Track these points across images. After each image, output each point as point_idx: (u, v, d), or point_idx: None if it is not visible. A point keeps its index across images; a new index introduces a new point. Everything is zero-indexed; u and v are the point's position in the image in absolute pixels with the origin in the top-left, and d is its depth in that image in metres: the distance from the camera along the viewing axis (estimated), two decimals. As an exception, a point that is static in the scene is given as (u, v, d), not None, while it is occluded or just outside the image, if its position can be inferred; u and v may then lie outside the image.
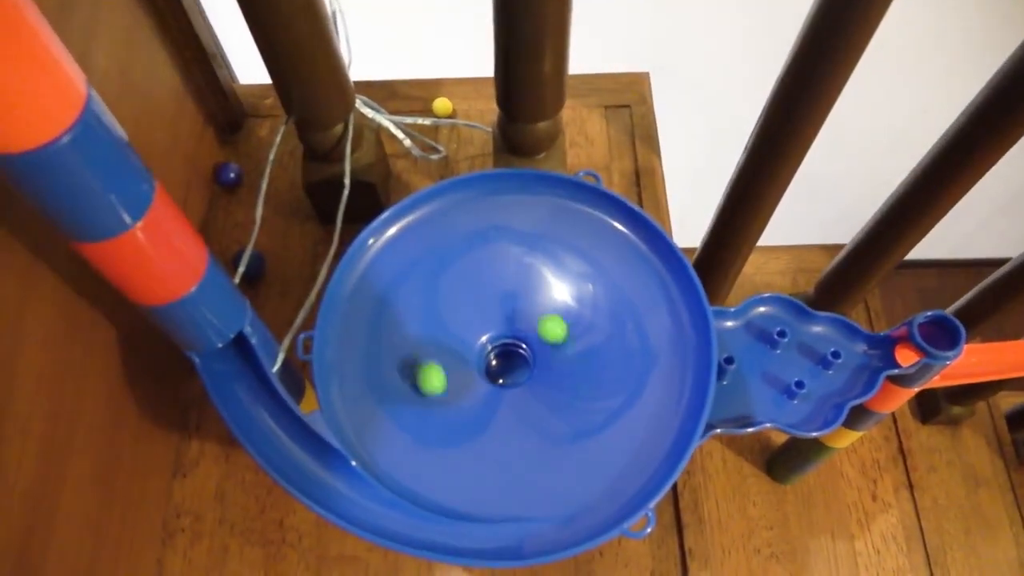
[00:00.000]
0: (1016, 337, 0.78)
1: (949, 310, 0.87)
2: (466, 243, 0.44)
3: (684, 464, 0.37)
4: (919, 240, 0.64)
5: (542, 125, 0.50)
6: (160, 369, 0.49)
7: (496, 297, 0.44)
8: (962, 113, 0.51)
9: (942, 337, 0.51)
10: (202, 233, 0.57)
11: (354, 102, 0.50)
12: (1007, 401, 1.18)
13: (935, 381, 0.54)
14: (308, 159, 0.52)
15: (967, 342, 0.73)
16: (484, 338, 0.44)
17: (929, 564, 0.75)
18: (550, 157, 0.53)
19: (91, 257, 0.28)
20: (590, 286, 0.43)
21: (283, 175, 0.60)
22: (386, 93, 0.64)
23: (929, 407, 1.10)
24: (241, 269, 0.45)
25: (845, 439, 0.64)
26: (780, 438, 0.75)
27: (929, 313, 0.50)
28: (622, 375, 0.41)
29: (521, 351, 0.44)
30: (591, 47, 1.33)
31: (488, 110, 0.62)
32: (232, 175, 0.58)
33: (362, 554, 0.48)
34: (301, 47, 0.42)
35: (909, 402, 1.13)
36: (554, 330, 0.41)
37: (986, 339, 0.82)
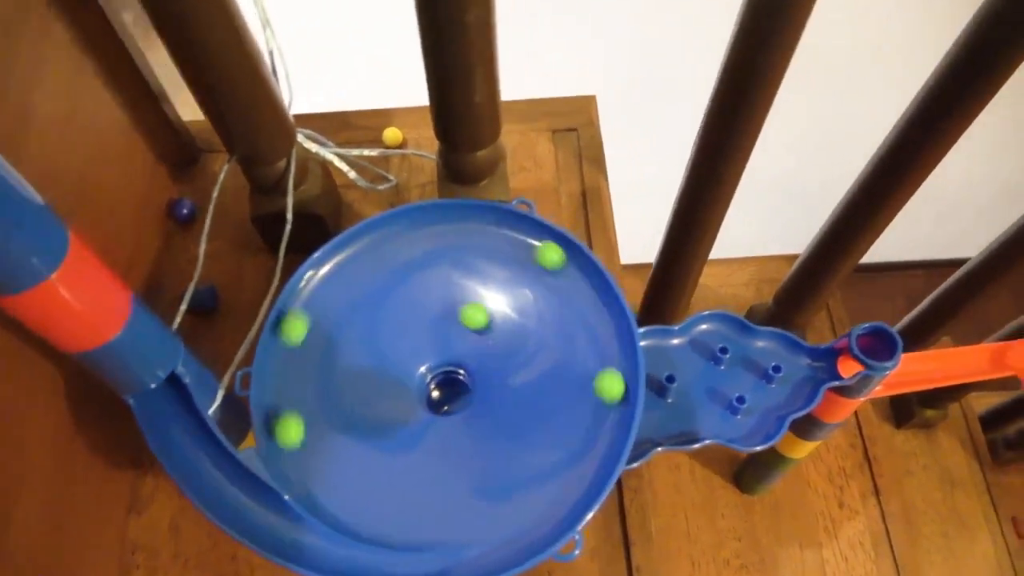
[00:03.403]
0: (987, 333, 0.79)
1: (914, 312, 0.88)
2: (403, 275, 0.45)
3: (609, 488, 0.38)
4: (868, 245, 0.65)
5: (481, 153, 0.51)
6: (112, 406, 0.49)
7: (433, 327, 0.45)
8: (900, 117, 0.52)
9: (882, 348, 0.52)
10: (157, 268, 0.58)
11: (295, 137, 0.51)
12: (982, 402, 1.19)
13: (878, 391, 0.55)
14: (254, 193, 0.53)
15: (932, 346, 0.74)
16: (423, 368, 0.44)
17: (897, 569, 0.76)
18: (493, 184, 0.54)
19: (7, 309, 0.29)
20: (523, 312, 0.44)
21: (237, 208, 0.60)
22: (338, 124, 0.65)
23: (903, 412, 1.11)
24: (183, 307, 0.45)
25: (801, 450, 0.65)
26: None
27: (867, 325, 0.51)
28: (554, 400, 0.42)
29: (460, 377, 0.45)
30: (540, 72, 1.35)
31: (438, 138, 0.63)
32: (185, 210, 0.59)
33: (315, 584, 0.48)
34: (234, 86, 0.43)
35: (883, 407, 1.14)
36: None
37: (959, 338, 0.82)
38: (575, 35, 1.25)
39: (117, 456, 0.50)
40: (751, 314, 0.84)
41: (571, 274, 0.45)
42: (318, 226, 0.55)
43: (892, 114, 0.53)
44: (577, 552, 0.36)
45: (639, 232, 0.86)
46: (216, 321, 0.57)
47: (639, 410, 0.40)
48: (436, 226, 0.45)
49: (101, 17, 0.49)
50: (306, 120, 0.65)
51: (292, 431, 0.39)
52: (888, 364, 0.50)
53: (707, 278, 0.91)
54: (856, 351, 0.50)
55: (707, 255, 0.65)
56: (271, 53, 0.48)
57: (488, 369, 0.44)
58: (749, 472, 0.76)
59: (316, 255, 0.43)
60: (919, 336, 0.86)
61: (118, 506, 0.50)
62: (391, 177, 0.60)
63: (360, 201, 0.61)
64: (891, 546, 0.76)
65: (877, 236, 0.63)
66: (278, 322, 0.43)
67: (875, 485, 0.79)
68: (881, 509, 0.78)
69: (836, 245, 0.65)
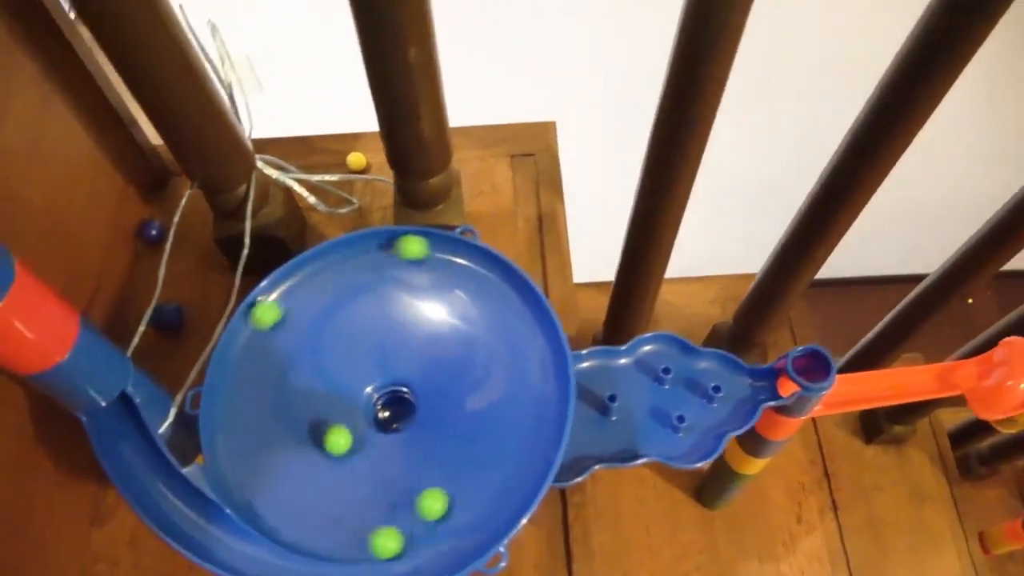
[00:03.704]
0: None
1: (878, 327, 0.90)
2: (350, 299, 0.47)
3: (536, 504, 0.39)
4: (819, 264, 0.66)
5: (433, 180, 0.53)
6: (74, 423, 0.51)
7: (380, 348, 0.47)
8: (845, 136, 0.54)
9: (819, 369, 0.54)
10: (125, 287, 0.60)
11: (253, 164, 0.53)
12: (953, 418, 1.21)
13: (819, 410, 0.57)
14: (216, 217, 0.55)
15: (894, 363, 0.75)
16: (369, 388, 0.46)
17: (853, 583, 0.78)
18: (447, 208, 0.56)
19: (-44, 336, 0.31)
20: (464, 333, 0.46)
21: (204, 229, 0.62)
22: (306, 148, 0.67)
23: (872, 428, 1.13)
24: (141, 328, 0.48)
25: (753, 467, 0.67)
26: (707, 465, 0.77)
27: (803, 347, 0.53)
28: (490, 418, 0.44)
29: (406, 396, 0.47)
30: (504, 98, 1.38)
31: (402, 161, 0.65)
32: (154, 231, 0.61)
33: (268, 594, 0.50)
34: (186, 119, 0.46)
35: (853, 424, 1.16)
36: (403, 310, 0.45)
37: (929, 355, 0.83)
38: (539, 62, 1.28)
39: (80, 471, 0.52)
40: (714, 332, 0.86)
41: (509, 297, 0.47)
42: (280, 248, 0.57)
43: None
44: (503, 564, 0.38)
45: (606, 250, 0.88)
46: (182, 339, 0.59)
47: (565, 435, 0.42)
48: (384, 252, 0.47)
49: (69, 49, 0.51)
50: (276, 144, 0.67)
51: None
52: (822, 385, 0.52)
53: (674, 296, 0.93)
54: (792, 372, 0.52)
55: (663, 272, 0.67)
56: (230, 86, 0.50)
57: (432, 388, 0.46)
58: (709, 487, 0.78)
59: (264, 282, 0.46)
60: (880, 353, 0.88)
61: (80, 518, 0.52)
62: (354, 200, 0.62)
63: (324, 223, 0.63)
64: (847, 560, 0.78)
65: (826, 255, 0.65)
66: (230, 342, 0.45)
67: (833, 501, 0.81)
68: (839, 524, 0.80)
69: (788, 264, 0.67)
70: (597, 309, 0.83)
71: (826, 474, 0.82)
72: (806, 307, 0.92)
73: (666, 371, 0.54)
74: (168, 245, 0.52)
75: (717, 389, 0.53)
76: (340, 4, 0.40)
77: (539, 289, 0.46)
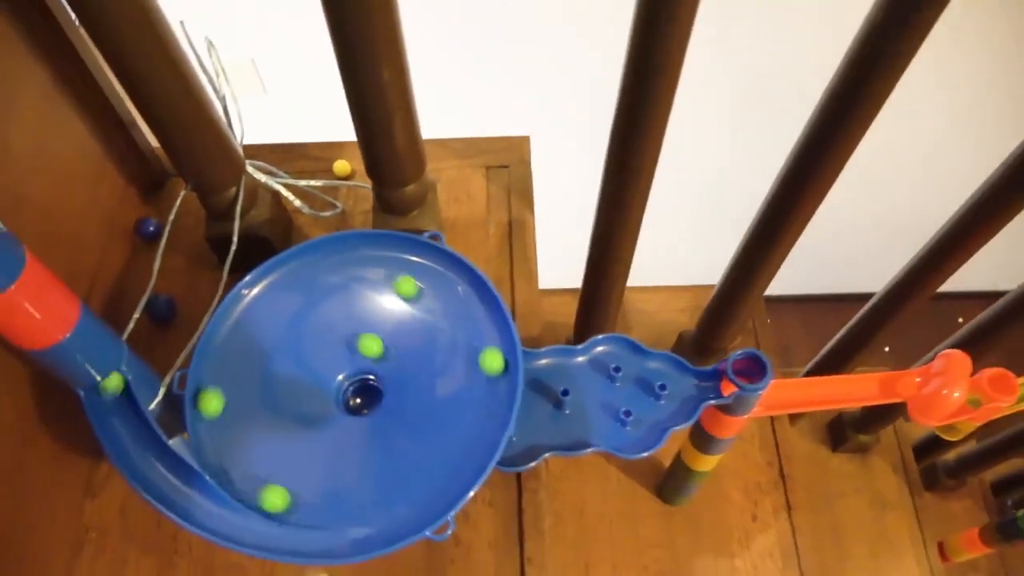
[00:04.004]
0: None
1: (830, 343, 0.95)
2: (324, 294, 0.52)
3: (482, 481, 0.44)
4: (770, 276, 0.71)
5: (408, 189, 0.58)
6: (71, 401, 0.56)
7: (351, 339, 0.51)
8: (787, 155, 0.58)
9: (758, 372, 0.58)
10: (122, 279, 0.64)
11: (243, 169, 0.58)
12: (920, 429, 1.25)
13: (760, 411, 0.62)
14: (208, 216, 0.60)
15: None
16: (341, 376, 0.51)
17: (802, 577, 0.82)
18: (422, 214, 0.61)
19: (-28, 314, 0.36)
20: (426, 328, 0.51)
21: (197, 228, 0.67)
22: (295, 155, 0.72)
23: (838, 436, 1.18)
24: (136, 315, 0.52)
25: (705, 463, 0.72)
26: (668, 463, 0.81)
27: (742, 351, 0.58)
28: (448, 403, 0.49)
29: (373, 383, 0.52)
30: (484, 112, 1.43)
31: (384, 169, 0.70)
32: (152, 228, 0.66)
33: (244, 562, 0.55)
34: (181, 129, 0.51)
35: (820, 432, 1.21)
36: (370, 347, 0.49)
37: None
38: (522, 79, 1.34)
39: (75, 447, 0.56)
40: (680, 339, 0.90)
41: (469, 296, 0.52)
42: (266, 247, 0.62)
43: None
44: (450, 531, 0.43)
45: (582, 258, 0.93)
46: (174, 328, 0.64)
47: (512, 422, 0.46)
48: (356, 252, 0.52)
49: (76, 59, 0.56)
50: (268, 150, 0.72)
51: (214, 405, 0.46)
52: (758, 386, 0.57)
53: (646, 304, 0.98)
54: (730, 373, 0.57)
55: (624, 279, 0.72)
56: (223, 98, 0.55)
57: (397, 376, 0.51)
58: (668, 484, 0.83)
59: (247, 278, 0.50)
60: (837, 362, 0.93)
61: (75, 490, 0.57)
62: (338, 204, 0.67)
63: (310, 225, 0.68)
64: (798, 558, 0.82)
65: (775, 267, 0.70)
66: (215, 331, 0.50)
67: (787, 501, 0.85)
68: (791, 523, 0.84)
69: (742, 276, 0.72)
70: (570, 314, 0.87)
71: (782, 475, 0.87)
72: (768, 316, 0.97)
73: (617, 369, 0.58)
74: (163, 242, 0.57)
75: (663, 387, 0.58)
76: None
77: (495, 290, 0.50)
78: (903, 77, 0.47)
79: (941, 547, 1.18)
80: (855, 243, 1.71)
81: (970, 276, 0.75)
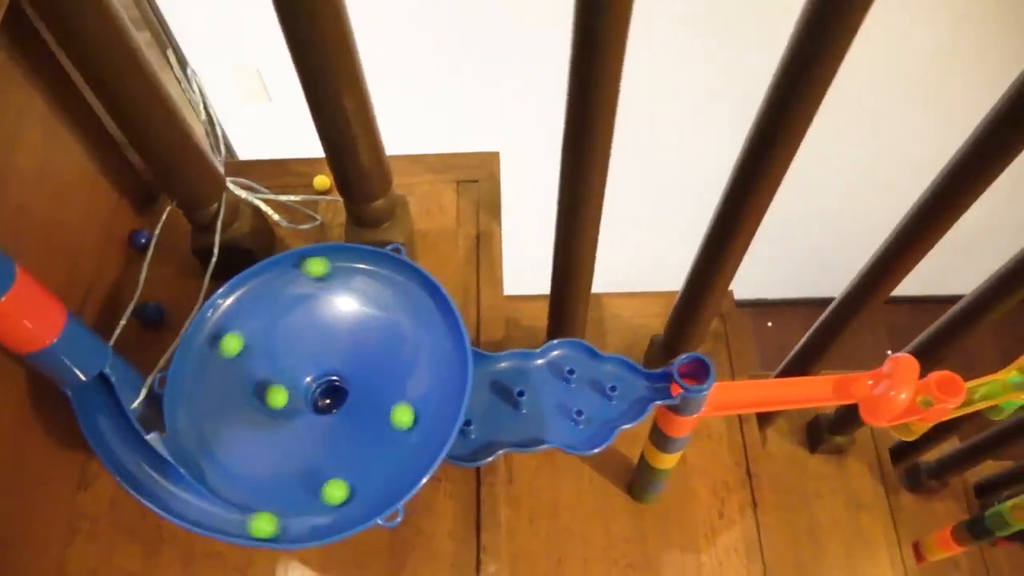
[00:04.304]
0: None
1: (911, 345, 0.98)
2: (294, 302, 0.56)
3: (431, 473, 0.48)
4: (727, 282, 0.75)
5: (376, 204, 0.63)
6: (65, 399, 0.61)
7: (320, 343, 0.56)
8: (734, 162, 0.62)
9: (705, 374, 0.62)
10: (116, 287, 0.69)
11: (224, 186, 0.63)
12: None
13: (709, 411, 0.65)
14: (193, 229, 0.65)
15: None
16: (309, 378, 0.56)
17: (765, 573, 0.85)
18: (392, 227, 0.66)
19: (-32, 321, 0.41)
20: (385, 332, 0.56)
21: (186, 239, 0.72)
22: (280, 170, 0.77)
23: (815, 437, 1.21)
24: (123, 321, 0.57)
25: (664, 461, 0.75)
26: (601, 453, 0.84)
27: (687, 355, 0.61)
28: (405, 400, 0.53)
29: (339, 384, 0.56)
30: (460, 129, 1.47)
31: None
32: (143, 240, 0.71)
33: (223, 550, 0.59)
34: (165, 151, 0.55)
35: (799, 434, 1.24)
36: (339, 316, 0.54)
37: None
38: (498, 91, 1.38)
39: (69, 442, 0.61)
40: (651, 343, 0.94)
41: (424, 301, 0.56)
42: (247, 258, 0.66)
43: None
44: (399, 519, 0.47)
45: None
46: (162, 333, 0.69)
47: (459, 420, 0.51)
48: (319, 260, 0.57)
49: (74, 88, 0.61)
50: (255, 166, 0.77)
51: (194, 422, 0.51)
52: (701, 387, 0.61)
53: (622, 309, 1.02)
54: (676, 375, 0.61)
55: (588, 286, 0.75)
56: (206, 123, 0.60)
57: (360, 377, 0.55)
58: (636, 481, 0.87)
59: (221, 289, 0.55)
60: (802, 366, 0.97)
61: (69, 482, 0.62)
62: (317, 217, 0.72)
63: (291, 236, 0.73)
64: (762, 554, 0.86)
65: (730, 275, 0.73)
66: (193, 336, 0.54)
67: (754, 499, 0.89)
68: (757, 520, 0.88)
69: (700, 282, 0.76)
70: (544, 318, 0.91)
71: (748, 475, 0.90)
72: (740, 321, 1.00)
73: (571, 372, 0.63)
74: (149, 253, 0.62)
75: (613, 389, 0.62)
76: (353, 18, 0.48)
77: (450, 297, 0.55)
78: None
79: (917, 547, 1.21)
80: (859, 247, 1.73)
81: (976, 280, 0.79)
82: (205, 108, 0.60)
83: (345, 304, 0.57)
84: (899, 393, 0.67)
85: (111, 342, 0.57)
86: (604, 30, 0.45)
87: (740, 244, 0.70)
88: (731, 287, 0.84)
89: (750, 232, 0.68)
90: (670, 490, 0.89)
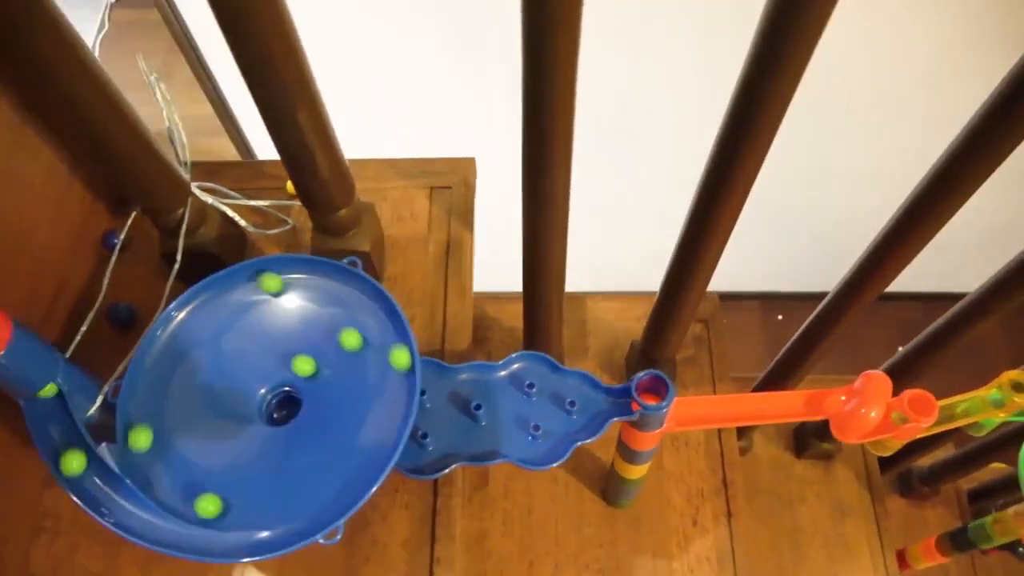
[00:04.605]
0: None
1: (779, 354, 0.98)
2: (251, 313, 0.56)
3: (371, 492, 0.49)
4: (701, 285, 0.73)
5: (341, 213, 0.63)
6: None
7: (274, 355, 0.56)
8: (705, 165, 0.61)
9: (664, 390, 0.62)
10: (88, 289, 0.70)
11: (188, 192, 0.63)
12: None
13: (670, 426, 0.65)
14: (160, 234, 0.66)
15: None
16: (263, 389, 0.56)
17: (736, 582, 0.86)
18: (358, 234, 0.65)
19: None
20: (337, 343, 0.56)
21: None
22: (253, 173, 0.77)
23: (802, 443, 1.20)
24: (84, 327, 0.58)
25: (632, 472, 0.76)
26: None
27: (645, 372, 0.61)
28: (353, 413, 0.54)
29: (294, 395, 0.57)
30: (438, 133, 1.46)
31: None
32: (115, 241, 0.72)
33: (181, 553, 0.60)
34: (127, 159, 0.56)
35: (786, 439, 1.23)
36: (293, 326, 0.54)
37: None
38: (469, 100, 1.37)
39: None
40: (632, 348, 0.94)
41: (383, 321, 0.56)
42: (214, 263, 0.67)
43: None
44: (339, 537, 0.48)
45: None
46: (134, 335, 0.69)
47: (406, 431, 0.51)
48: (281, 276, 0.57)
49: (45, 88, 0.61)
50: (227, 168, 0.77)
51: (142, 437, 0.51)
52: (659, 406, 0.60)
53: (605, 312, 1.02)
54: (634, 392, 0.61)
55: (557, 293, 0.75)
56: (170, 130, 0.60)
57: (313, 387, 0.56)
58: (609, 488, 0.87)
59: (174, 303, 0.56)
60: (787, 373, 0.96)
61: (35, 481, 0.63)
62: (289, 221, 0.72)
63: (263, 241, 0.73)
64: (734, 562, 0.86)
65: (706, 278, 0.72)
66: (148, 346, 0.55)
67: (728, 508, 0.89)
68: (730, 530, 0.88)
69: (674, 287, 0.75)
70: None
71: (724, 483, 0.90)
72: (724, 326, 1.00)
73: (531, 386, 0.62)
74: (114, 255, 0.62)
75: (573, 404, 0.62)
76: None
77: (403, 314, 0.55)
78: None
79: (902, 555, 1.21)
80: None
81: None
82: (168, 116, 0.60)
83: (300, 316, 0.57)
84: (870, 411, 0.66)
85: (73, 345, 0.58)
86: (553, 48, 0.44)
87: (713, 247, 0.68)
88: (713, 289, 0.83)
89: (723, 235, 0.66)
90: (644, 496, 0.89)
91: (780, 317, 2.30)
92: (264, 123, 0.53)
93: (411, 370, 0.54)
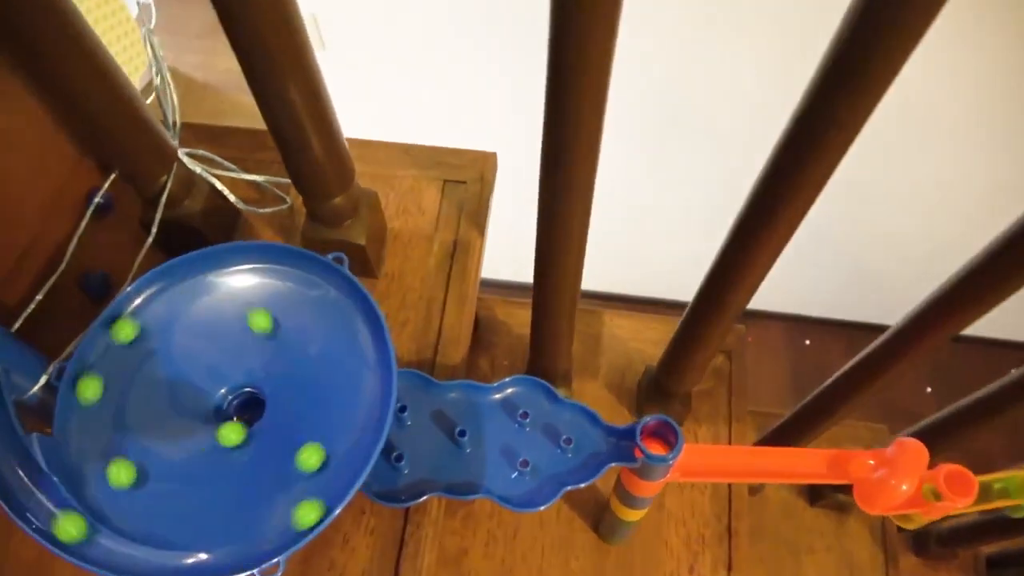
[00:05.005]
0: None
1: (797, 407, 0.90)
2: (216, 304, 0.51)
3: (324, 526, 0.43)
4: (731, 318, 0.65)
5: (335, 201, 0.56)
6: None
7: (238, 352, 0.50)
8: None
9: (673, 438, 0.55)
10: (61, 253, 0.65)
11: (174, 159, 0.57)
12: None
13: (674, 476, 0.58)
14: (143, 202, 0.60)
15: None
16: (224, 389, 0.50)
17: (728, 642, 0.79)
18: (354, 225, 0.59)
19: None
20: (308, 346, 0.50)
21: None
22: (259, 143, 0.71)
23: (816, 490, 1.13)
24: (40, 296, 0.53)
25: (630, 515, 0.69)
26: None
27: (654, 416, 0.55)
28: (323, 423, 0.48)
29: (259, 396, 0.51)
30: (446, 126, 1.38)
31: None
32: (101, 201, 0.66)
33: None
34: (107, 118, 0.50)
35: (796, 485, 1.16)
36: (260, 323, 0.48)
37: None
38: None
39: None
40: (646, 373, 0.87)
41: (359, 322, 0.50)
42: (198, 238, 0.61)
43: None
44: (279, 574, 0.42)
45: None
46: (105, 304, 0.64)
47: (373, 459, 0.45)
48: (253, 265, 0.51)
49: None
50: (232, 135, 0.72)
51: (87, 426, 0.46)
52: (665, 457, 0.54)
53: (621, 329, 0.95)
54: (638, 438, 0.54)
55: (573, 298, 0.68)
56: (158, 88, 0.54)
57: (279, 393, 0.50)
58: (603, 523, 0.80)
59: (136, 282, 0.50)
60: (815, 420, 0.88)
61: None
62: (288, 199, 0.66)
63: (257, 220, 0.67)
64: (729, 619, 0.79)
65: (738, 310, 0.64)
66: (101, 328, 0.49)
67: (730, 559, 0.82)
68: (729, 582, 0.81)
69: (703, 316, 0.67)
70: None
71: (729, 531, 0.83)
72: (746, 361, 0.92)
73: (524, 415, 0.56)
74: (85, 218, 0.57)
75: (568, 441, 0.55)
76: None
77: (385, 324, 0.49)
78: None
79: (911, 620, 1.13)
80: (912, 274, 1.60)
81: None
82: (159, 72, 0.54)
83: (272, 311, 0.51)
84: (900, 483, 0.59)
85: (20, 319, 0.52)
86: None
87: (755, 272, 0.60)
88: (764, 292, 0.73)
89: (768, 259, 0.58)
90: (640, 535, 0.82)
91: (808, 342, 2.21)
92: (252, 94, 0.47)
93: (387, 391, 0.48)
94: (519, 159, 0.77)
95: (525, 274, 0.91)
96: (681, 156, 1.46)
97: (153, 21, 0.56)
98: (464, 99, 1.39)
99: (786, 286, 2.01)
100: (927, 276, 0.68)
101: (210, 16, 0.41)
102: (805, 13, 1.10)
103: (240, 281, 0.52)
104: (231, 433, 0.47)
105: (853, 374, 0.80)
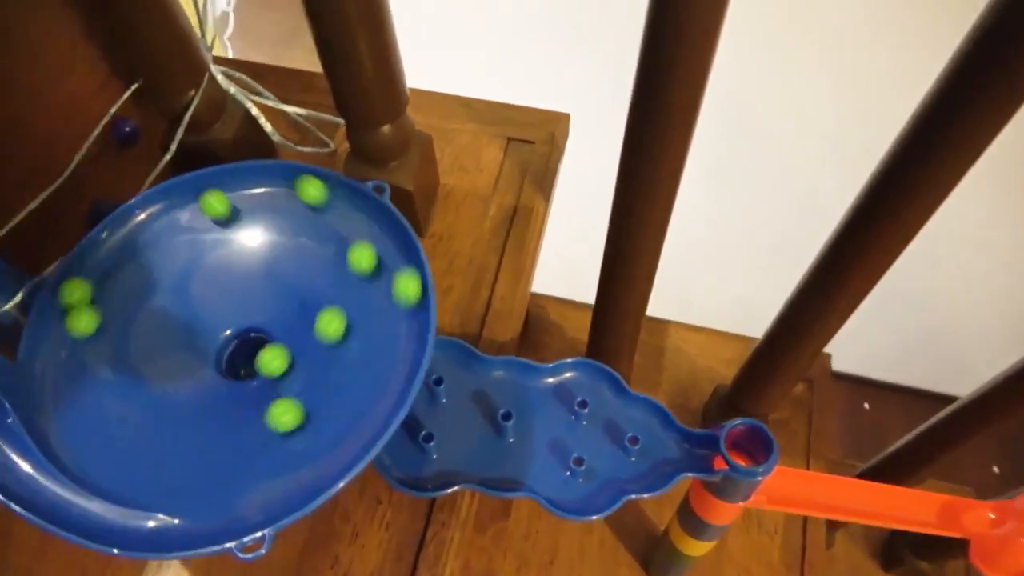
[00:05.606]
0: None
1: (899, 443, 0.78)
2: (230, 232, 0.42)
3: (320, 502, 0.33)
4: (822, 338, 0.56)
5: (384, 131, 0.48)
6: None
7: (250, 291, 0.42)
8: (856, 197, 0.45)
9: (763, 450, 0.45)
10: (71, 179, 0.58)
11: (204, 71, 0.50)
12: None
13: (759, 500, 0.48)
14: (166, 122, 0.53)
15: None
16: (228, 332, 0.42)
17: None
18: (401, 167, 0.51)
19: None
20: (329, 287, 0.41)
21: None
22: (303, 84, 0.63)
23: (892, 554, 0.99)
24: (22, 215, 0.45)
25: (692, 547, 0.58)
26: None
27: (743, 419, 0.44)
28: (340, 387, 0.39)
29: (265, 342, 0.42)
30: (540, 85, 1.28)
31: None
32: (128, 129, 0.59)
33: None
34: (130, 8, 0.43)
35: (875, 544, 1.02)
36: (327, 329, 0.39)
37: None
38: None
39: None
40: (715, 393, 0.76)
41: (389, 248, 0.41)
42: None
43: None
44: (263, 551, 0.33)
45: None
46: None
47: (389, 431, 0.35)
48: (270, 189, 0.43)
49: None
50: (272, 72, 0.64)
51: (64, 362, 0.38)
52: (755, 471, 0.43)
53: (689, 345, 0.85)
54: (722, 445, 0.44)
55: (643, 299, 0.58)
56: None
57: (295, 338, 0.41)
58: (655, 560, 0.69)
59: (137, 198, 0.42)
60: (902, 468, 0.76)
61: None
62: (330, 143, 0.59)
63: (294, 159, 0.60)
64: None
65: (831, 330, 0.55)
66: (89, 248, 0.42)
67: (799, 618, 0.70)
68: (796, 646, 0.69)
69: (789, 330, 0.57)
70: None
71: (800, 585, 0.71)
72: (832, 394, 0.81)
73: (583, 404, 0.46)
74: (86, 144, 0.49)
75: (634, 440, 0.45)
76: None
77: (425, 260, 0.39)
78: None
79: None
80: (985, 343, 1.49)
81: None
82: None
83: (292, 245, 0.42)
84: (1033, 541, 0.48)
85: (10, 225, 0.45)
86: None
87: (848, 295, 0.51)
88: (827, 350, 0.65)
89: (865, 280, 0.50)
90: (695, 577, 0.71)
91: (867, 406, 2.07)
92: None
93: (420, 348, 0.38)
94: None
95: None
96: (755, 175, 1.37)
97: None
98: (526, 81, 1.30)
99: (847, 345, 1.88)
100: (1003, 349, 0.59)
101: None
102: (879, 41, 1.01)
103: (262, 208, 0.43)
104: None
105: (917, 443, 0.70)
